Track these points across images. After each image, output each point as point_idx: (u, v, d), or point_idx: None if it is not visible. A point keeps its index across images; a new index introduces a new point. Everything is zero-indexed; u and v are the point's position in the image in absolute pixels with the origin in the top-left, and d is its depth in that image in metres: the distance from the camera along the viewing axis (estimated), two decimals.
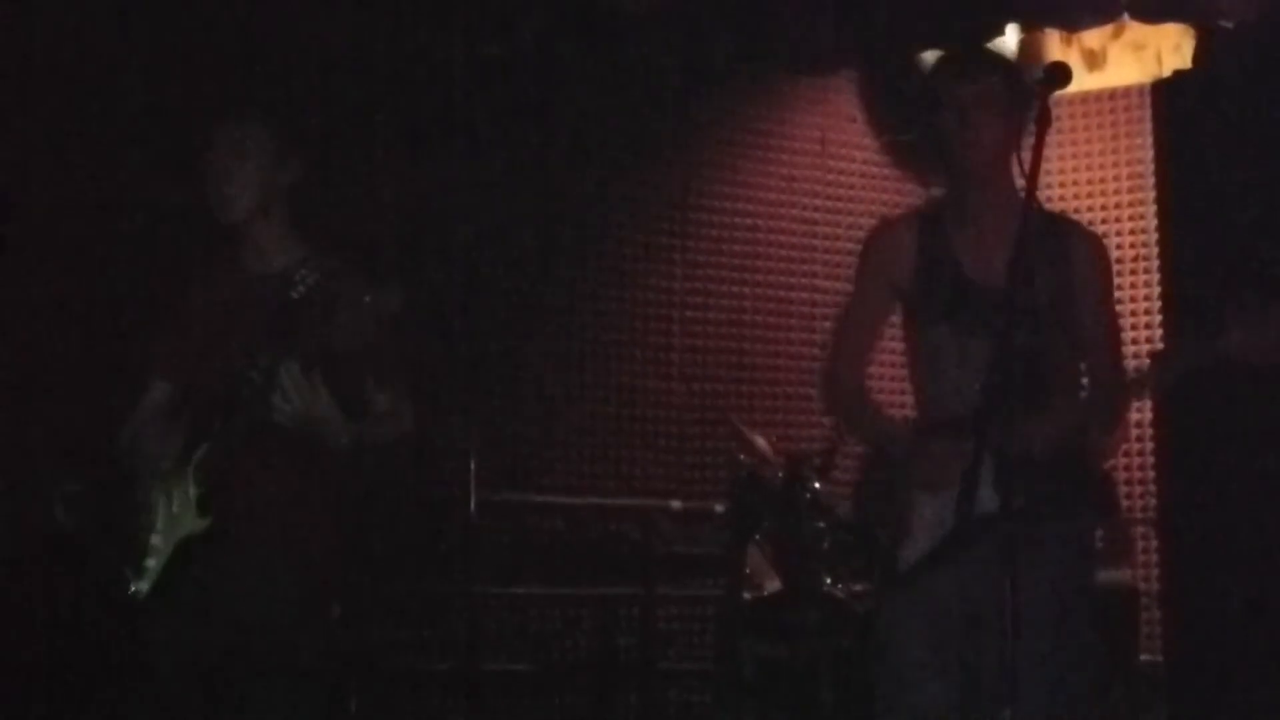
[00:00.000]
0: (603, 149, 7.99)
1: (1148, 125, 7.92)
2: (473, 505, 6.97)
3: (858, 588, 5.94)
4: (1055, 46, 8.34)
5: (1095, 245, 4.13)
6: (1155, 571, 7.74)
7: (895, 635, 4.11)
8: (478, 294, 7.66)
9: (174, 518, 4.11)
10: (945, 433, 4.03)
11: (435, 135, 7.48)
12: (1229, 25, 6.71)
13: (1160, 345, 7.68)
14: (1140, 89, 8.27)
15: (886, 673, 4.13)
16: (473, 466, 7.04)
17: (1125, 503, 7.88)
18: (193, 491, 4.06)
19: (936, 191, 4.30)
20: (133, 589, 4.17)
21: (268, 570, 4.03)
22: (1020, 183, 3.84)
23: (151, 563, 4.13)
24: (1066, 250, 4.01)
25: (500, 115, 7.59)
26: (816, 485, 6.25)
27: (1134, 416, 7.94)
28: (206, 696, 4.05)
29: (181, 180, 4.18)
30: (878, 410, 4.24)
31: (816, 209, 8.53)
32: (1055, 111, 3.63)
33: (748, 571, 6.28)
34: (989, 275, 3.97)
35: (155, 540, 4.15)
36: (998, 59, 4.02)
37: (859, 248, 8.56)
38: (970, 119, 3.94)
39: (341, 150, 6.97)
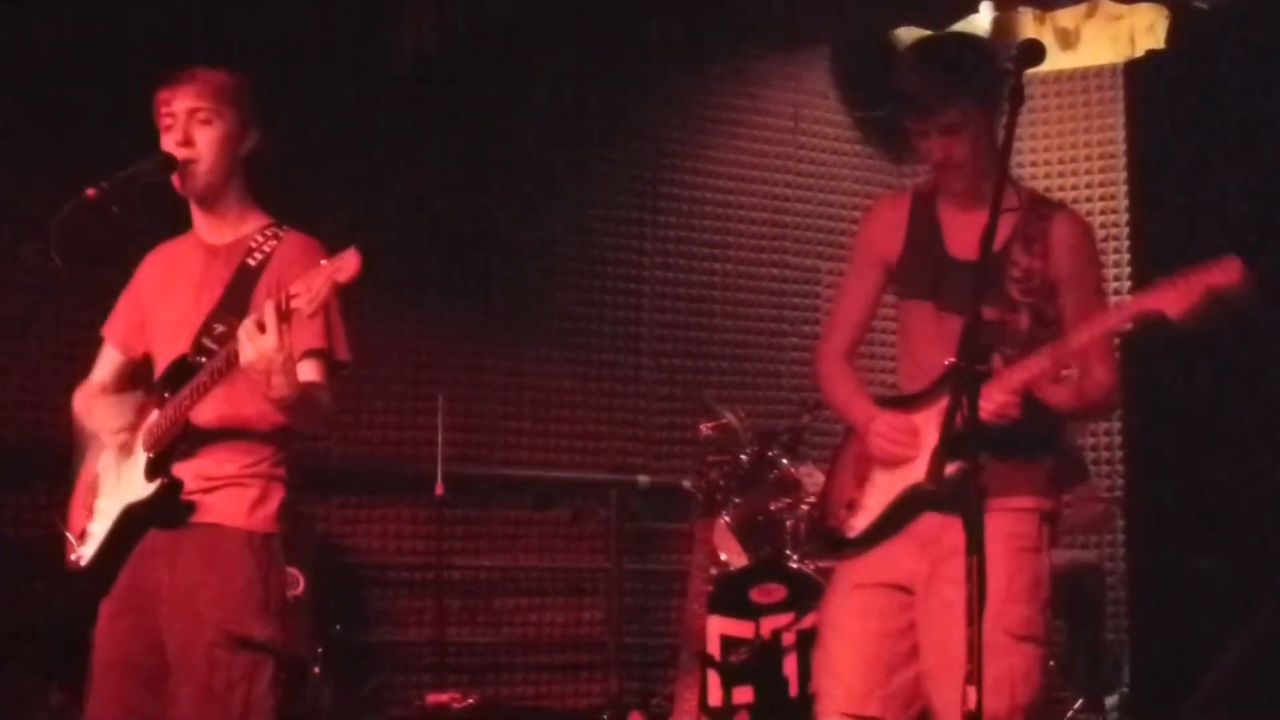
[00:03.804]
0: (573, 123, 7.97)
1: (1120, 105, 7.95)
2: (440, 480, 6.97)
3: (823, 564, 5.94)
4: (1029, 24, 8.35)
5: (1077, 229, 4.11)
6: (1121, 551, 7.76)
7: (831, 605, 4.12)
8: (445, 268, 7.65)
9: (122, 483, 4.08)
10: (898, 407, 4.07)
11: (402, 109, 7.45)
12: (1203, 6, 6.72)
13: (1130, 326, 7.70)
14: (1113, 68, 8.27)
15: (821, 644, 4.15)
16: (440, 442, 7.03)
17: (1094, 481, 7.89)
18: (141, 457, 4.03)
19: (918, 172, 4.29)
20: (75, 555, 4.13)
21: (217, 545, 3.99)
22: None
23: (96, 528, 4.10)
24: (1047, 232, 4.01)
25: (471, 90, 7.57)
26: (784, 461, 6.25)
27: None
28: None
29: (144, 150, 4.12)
30: (848, 383, 4.24)
31: (787, 185, 8.52)
32: (1028, 90, 3.62)
33: (714, 547, 6.27)
34: (970, 253, 3.97)
35: (102, 504, 4.12)
36: (951, 85, 3.96)
37: (829, 224, 8.69)
38: (939, 146, 3.96)
39: (306, 122, 6.95)
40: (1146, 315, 3.78)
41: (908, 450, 3.98)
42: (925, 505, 3.94)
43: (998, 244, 3.90)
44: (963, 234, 4.04)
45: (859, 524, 4.07)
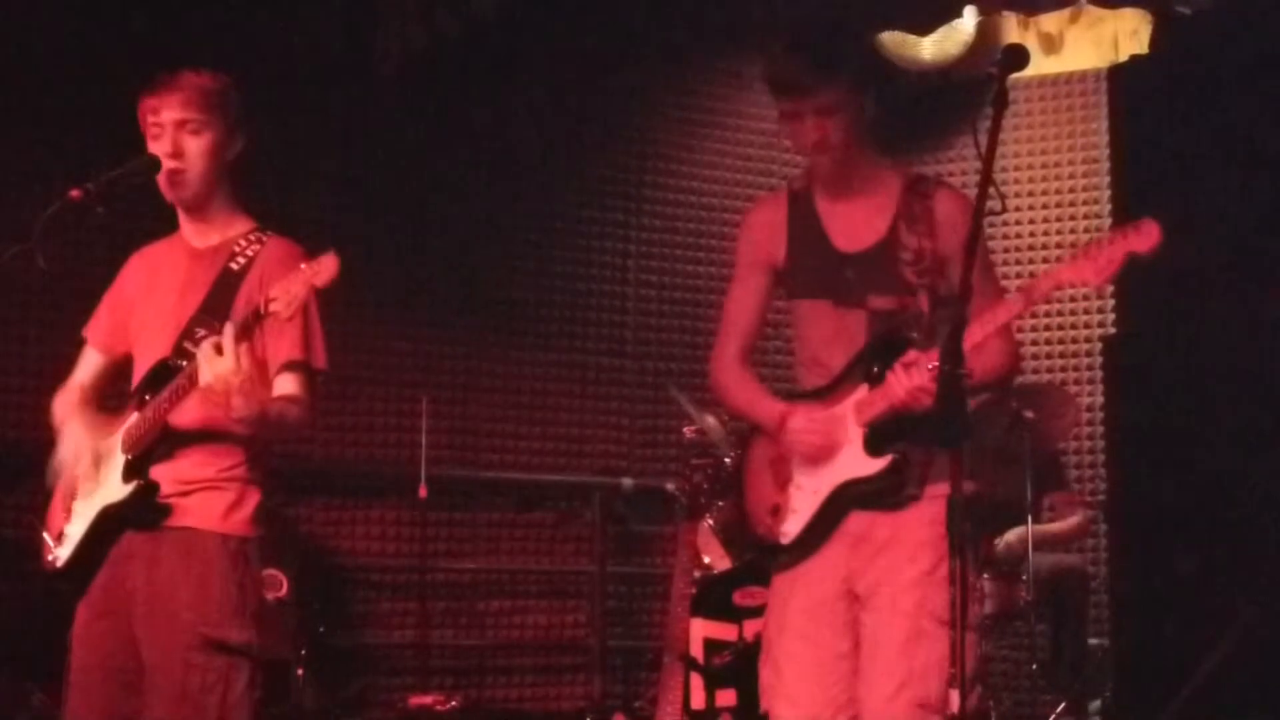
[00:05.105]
0: (558, 125, 7.98)
1: (1103, 110, 7.95)
2: (424, 482, 6.96)
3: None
4: (1013, 29, 8.36)
5: (959, 202, 4.04)
6: (1104, 555, 7.77)
7: (780, 629, 4.05)
8: (429, 271, 7.65)
9: (99, 485, 4.07)
10: (808, 402, 4.02)
11: (390, 111, 7.45)
12: (1186, 11, 6.72)
13: (1111, 329, 7.72)
14: (1097, 73, 8.29)
15: (766, 659, 4.09)
16: (424, 444, 7.03)
17: (1075, 487, 7.91)
18: (120, 459, 4.03)
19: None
20: (52, 556, 4.12)
21: (192, 549, 3.98)
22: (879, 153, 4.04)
23: (73, 529, 4.09)
24: (930, 210, 3.98)
25: (457, 93, 7.57)
26: None
27: (1085, 401, 7.98)
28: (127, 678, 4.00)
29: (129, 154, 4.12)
30: (751, 387, 4.18)
31: (771, 188, 8.51)
32: (1011, 95, 3.62)
33: (697, 550, 6.27)
34: (857, 245, 4.00)
35: (79, 506, 4.11)
36: (821, 68, 3.96)
37: None
38: (814, 128, 3.94)
39: (295, 124, 6.95)
40: (1068, 286, 3.81)
41: (830, 440, 3.93)
42: (857, 502, 3.92)
43: (883, 234, 3.96)
44: (844, 226, 4.04)
45: (791, 529, 4.01)
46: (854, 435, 3.92)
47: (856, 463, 3.91)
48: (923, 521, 3.85)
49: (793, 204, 4.14)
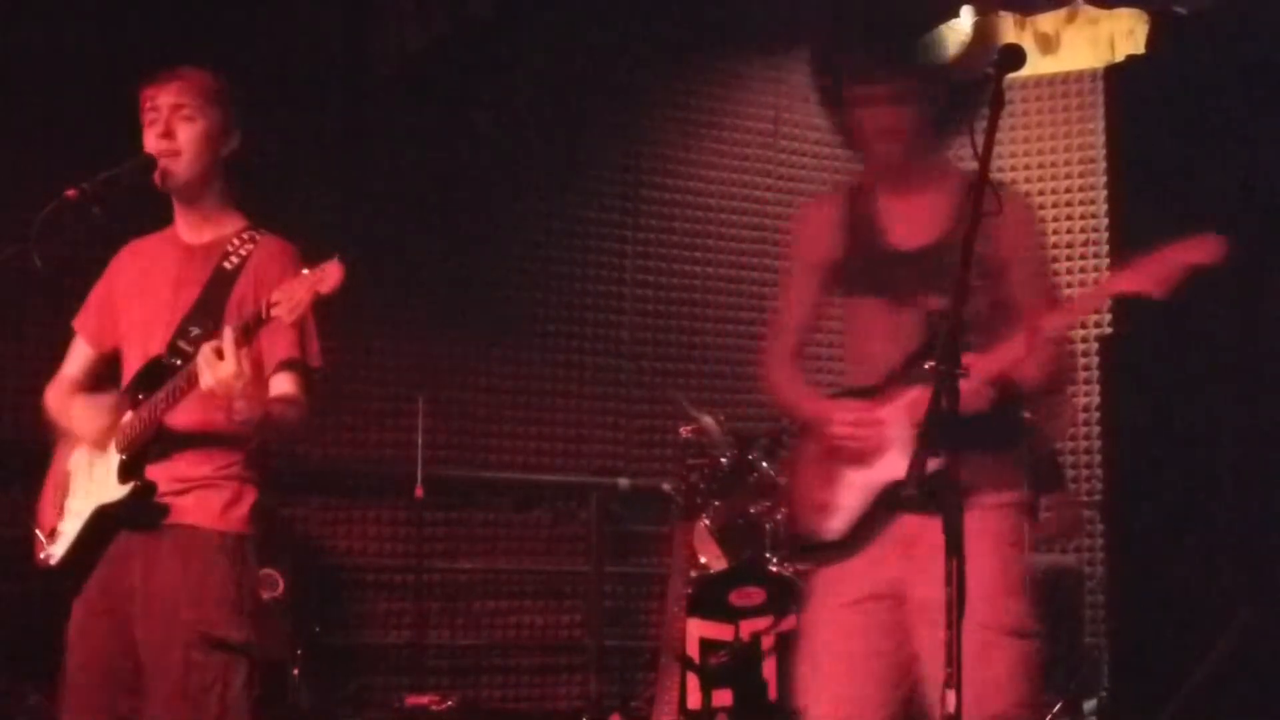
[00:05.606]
0: (554, 124, 7.97)
1: (1100, 110, 7.96)
2: (420, 482, 6.97)
3: (803, 566, 5.94)
4: (1009, 29, 8.36)
5: (1021, 207, 4.05)
6: (1100, 555, 7.78)
7: (820, 623, 4.04)
8: (425, 270, 7.64)
9: (94, 483, 4.06)
10: (855, 400, 4.01)
11: (386, 110, 7.45)
12: (1183, 11, 6.73)
13: (1108, 329, 7.73)
14: (1093, 74, 8.29)
15: (804, 654, 4.09)
16: (420, 444, 7.03)
17: (1071, 486, 7.91)
18: (115, 458, 4.02)
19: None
20: (44, 553, 4.12)
21: (190, 547, 3.98)
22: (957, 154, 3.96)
23: (67, 527, 4.08)
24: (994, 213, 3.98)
25: (454, 93, 7.57)
26: (764, 465, 6.25)
27: (1081, 401, 7.99)
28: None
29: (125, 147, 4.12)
30: (801, 385, 4.18)
31: (768, 188, 8.53)
32: (1008, 95, 3.62)
33: (694, 550, 6.27)
34: (914, 243, 3.99)
35: (73, 503, 4.10)
36: (898, 57, 3.97)
37: None
38: (885, 115, 3.94)
39: (292, 124, 6.95)
40: (1127, 296, 3.79)
41: (875, 440, 3.92)
42: (904, 505, 3.90)
43: (942, 232, 3.93)
44: (902, 224, 4.03)
45: (836, 525, 3.99)
46: (901, 433, 3.89)
47: (905, 463, 3.90)
48: (986, 531, 3.78)
49: (849, 203, 4.13)
